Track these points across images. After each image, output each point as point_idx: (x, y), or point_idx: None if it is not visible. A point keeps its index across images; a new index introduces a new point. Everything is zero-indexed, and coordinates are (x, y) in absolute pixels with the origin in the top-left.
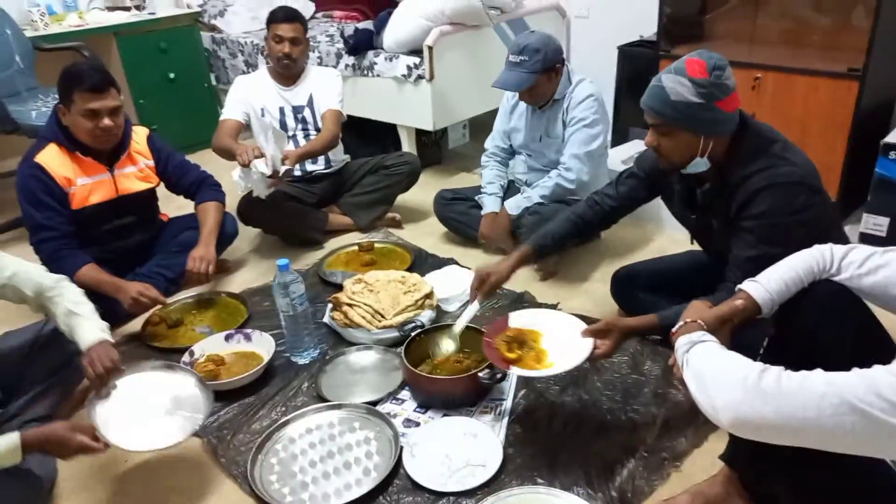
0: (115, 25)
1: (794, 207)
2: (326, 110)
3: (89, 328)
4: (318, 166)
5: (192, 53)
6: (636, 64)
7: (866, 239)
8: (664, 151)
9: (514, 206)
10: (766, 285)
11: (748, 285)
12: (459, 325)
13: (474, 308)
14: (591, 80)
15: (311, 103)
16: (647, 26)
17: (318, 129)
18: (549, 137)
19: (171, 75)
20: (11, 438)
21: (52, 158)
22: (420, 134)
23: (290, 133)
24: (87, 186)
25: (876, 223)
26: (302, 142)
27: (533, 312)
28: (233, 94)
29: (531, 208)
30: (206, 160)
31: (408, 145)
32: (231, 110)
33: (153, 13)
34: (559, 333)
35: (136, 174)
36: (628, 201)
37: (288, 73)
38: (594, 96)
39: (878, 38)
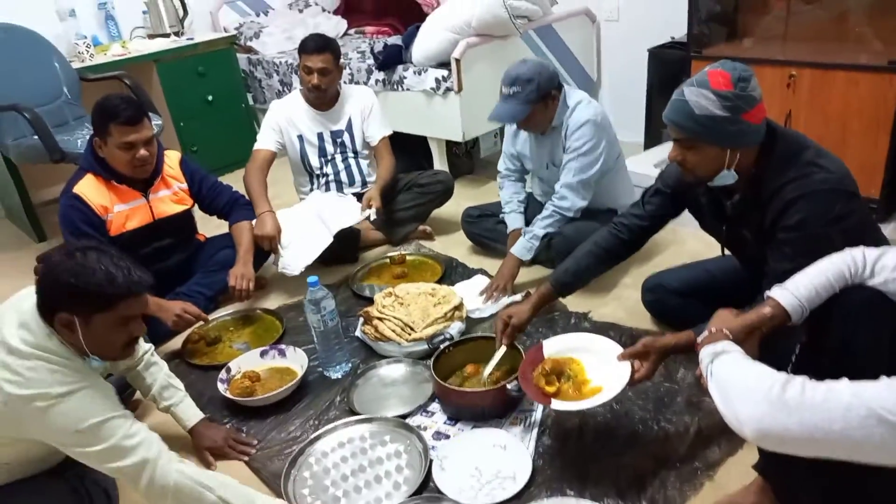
0: (156, 53)
1: (831, 216)
2: (380, 141)
3: (192, 405)
4: (355, 188)
5: (229, 75)
6: (667, 66)
7: None
8: (689, 166)
9: (525, 251)
10: (795, 291)
11: (776, 292)
12: (487, 371)
13: (501, 353)
14: (589, 100)
15: (349, 128)
16: (678, 27)
17: (355, 153)
18: (554, 166)
19: (210, 98)
20: None
21: (89, 188)
22: (451, 144)
23: (329, 157)
24: (124, 213)
25: None
26: (340, 166)
27: (566, 338)
28: (267, 121)
29: (548, 235)
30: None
31: (439, 157)
32: (264, 140)
33: (192, 38)
34: (596, 359)
35: (170, 197)
36: (657, 220)
37: (319, 102)
38: (591, 121)
39: None
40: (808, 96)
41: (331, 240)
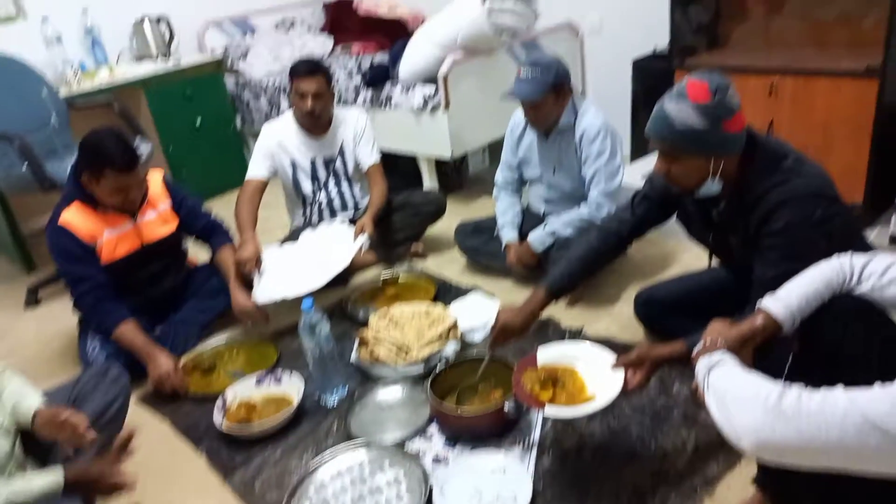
0: (143, 78)
1: (814, 220)
2: (371, 167)
3: (33, 395)
4: (347, 213)
5: (216, 98)
6: (651, 77)
7: None
8: (674, 177)
9: (539, 242)
10: (786, 301)
11: (767, 303)
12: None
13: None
14: (598, 107)
15: (342, 153)
16: (661, 37)
17: (348, 179)
18: (562, 168)
19: (198, 121)
20: (55, 475)
21: (75, 217)
22: (440, 162)
23: (322, 183)
24: (113, 240)
25: None
26: (333, 192)
27: (561, 346)
28: (259, 147)
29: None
30: (233, 202)
31: (428, 174)
32: (256, 167)
33: (178, 61)
34: (591, 367)
35: (157, 220)
36: (646, 224)
37: (314, 127)
38: (606, 127)
39: (895, 33)
40: (791, 104)
41: (320, 286)
